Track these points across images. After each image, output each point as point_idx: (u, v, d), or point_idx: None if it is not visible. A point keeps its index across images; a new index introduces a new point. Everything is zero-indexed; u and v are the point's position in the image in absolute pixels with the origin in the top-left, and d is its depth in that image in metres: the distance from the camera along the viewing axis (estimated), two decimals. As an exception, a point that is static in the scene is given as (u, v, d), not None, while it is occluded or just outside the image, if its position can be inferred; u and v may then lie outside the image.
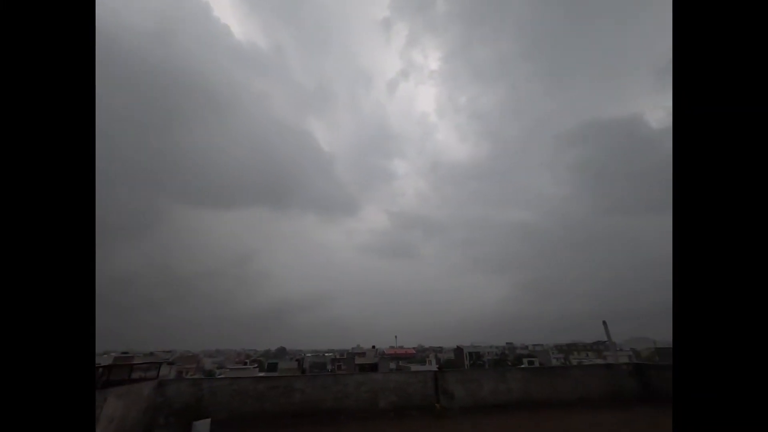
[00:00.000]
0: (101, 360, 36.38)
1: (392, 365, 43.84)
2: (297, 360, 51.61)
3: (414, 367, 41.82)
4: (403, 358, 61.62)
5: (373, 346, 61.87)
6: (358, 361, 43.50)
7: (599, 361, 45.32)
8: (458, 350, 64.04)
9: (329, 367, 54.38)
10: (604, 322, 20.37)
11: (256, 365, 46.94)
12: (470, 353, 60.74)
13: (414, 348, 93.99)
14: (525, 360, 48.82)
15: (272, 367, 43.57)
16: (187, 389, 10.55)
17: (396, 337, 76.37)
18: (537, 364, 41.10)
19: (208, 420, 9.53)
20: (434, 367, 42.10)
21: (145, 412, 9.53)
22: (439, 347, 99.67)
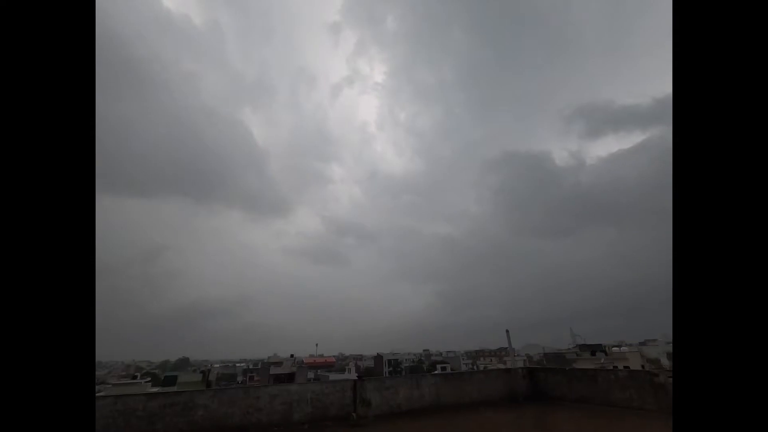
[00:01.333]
0: None
1: (311, 375, 42.40)
2: (202, 371, 46.26)
3: (333, 376, 41.17)
4: (322, 367, 60.07)
5: (292, 355, 58.98)
6: (274, 371, 41.03)
7: (500, 365, 50.60)
8: (378, 358, 64.98)
9: (240, 378, 50.01)
10: (507, 331, 22.92)
11: (149, 379, 40.68)
12: (389, 360, 62.14)
13: (334, 356, 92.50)
14: (439, 366, 51.99)
15: (170, 380, 38.25)
16: (52, 412, 8.59)
17: (317, 345, 74.17)
18: (449, 370, 44.09)
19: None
20: (354, 375, 42.03)
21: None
22: (360, 355, 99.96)
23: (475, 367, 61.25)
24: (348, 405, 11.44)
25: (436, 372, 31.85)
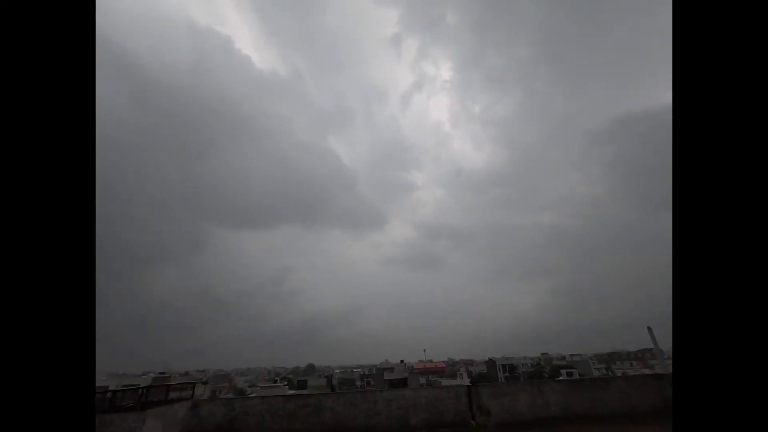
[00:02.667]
0: (141, 381, 37.76)
1: (422, 380, 42.69)
2: (326, 377, 51.39)
3: (445, 382, 40.52)
4: (432, 372, 59.95)
5: (402, 361, 60.64)
6: (387, 376, 42.69)
7: (646, 370, 42.09)
8: (491, 363, 61.54)
9: (358, 383, 53.64)
10: (649, 328, 18.98)
11: (285, 383, 47.13)
12: (503, 365, 58.16)
13: (444, 362, 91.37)
14: (563, 371, 46.18)
15: (302, 384, 43.57)
16: (220, 409, 10.70)
17: (425, 350, 74.64)
18: (576, 375, 38.72)
19: (241, 440, 9.58)
20: (466, 381, 40.60)
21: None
22: (470, 360, 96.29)
23: (610, 372, 52.39)
24: (463, 411, 11.05)
25: (560, 378, 28.35)
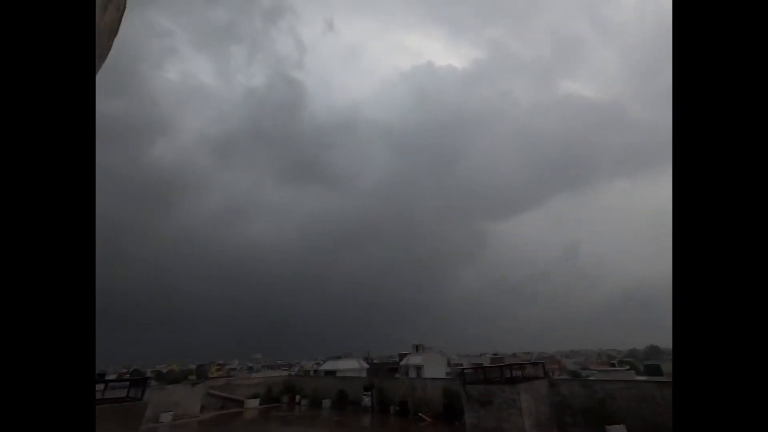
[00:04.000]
0: (482, 360, 45.27)
1: None
2: (686, 361, 39.37)
3: None
4: None
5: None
6: None
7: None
8: None
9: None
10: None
11: (627, 366, 40.54)
12: None
13: None
14: None
15: (653, 369, 35.74)
16: (580, 390, 10.42)
17: None
18: None
19: (623, 426, 8.73)
20: None
21: (550, 408, 10.26)
22: None
23: None
24: None
25: None
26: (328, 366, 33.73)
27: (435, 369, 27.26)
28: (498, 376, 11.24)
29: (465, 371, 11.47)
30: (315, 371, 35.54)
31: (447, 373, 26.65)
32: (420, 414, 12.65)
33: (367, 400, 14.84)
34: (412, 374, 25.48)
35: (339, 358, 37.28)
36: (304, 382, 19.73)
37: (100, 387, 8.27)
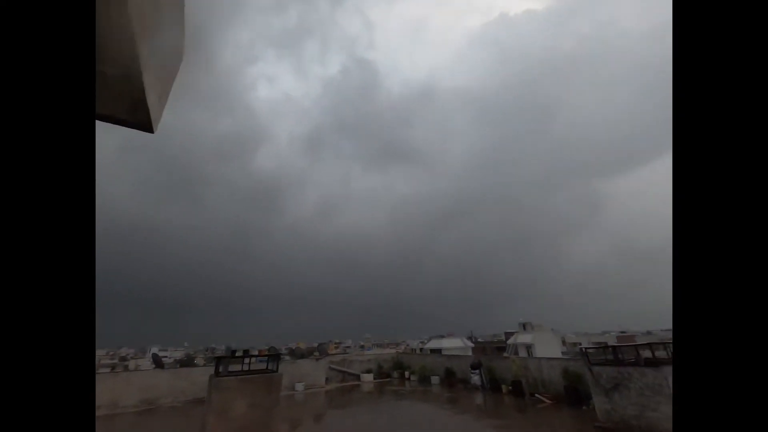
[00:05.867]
0: (605, 339, 39.84)
1: None
2: None
3: None
4: None
5: None
6: None
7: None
8: None
9: None
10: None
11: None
12: None
13: None
14: None
15: None
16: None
17: None
18: None
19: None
20: None
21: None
22: None
23: None
24: None
25: None
26: (433, 344, 34.55)
27: (547, 348, 25.44)
28: (633, 356, 9.59)
29: (587, 350, 10.13)
30: (420, 349, 36.83)
31: (563, 353, 24.51)
32: (537, 395, 11.77)
33: (476, 379, 14.57)
34: (522, 353, 24.21)
35: (443, 337, 37.82)
36: (411, 359, 20.57)
37: (246, 361, 10.02)
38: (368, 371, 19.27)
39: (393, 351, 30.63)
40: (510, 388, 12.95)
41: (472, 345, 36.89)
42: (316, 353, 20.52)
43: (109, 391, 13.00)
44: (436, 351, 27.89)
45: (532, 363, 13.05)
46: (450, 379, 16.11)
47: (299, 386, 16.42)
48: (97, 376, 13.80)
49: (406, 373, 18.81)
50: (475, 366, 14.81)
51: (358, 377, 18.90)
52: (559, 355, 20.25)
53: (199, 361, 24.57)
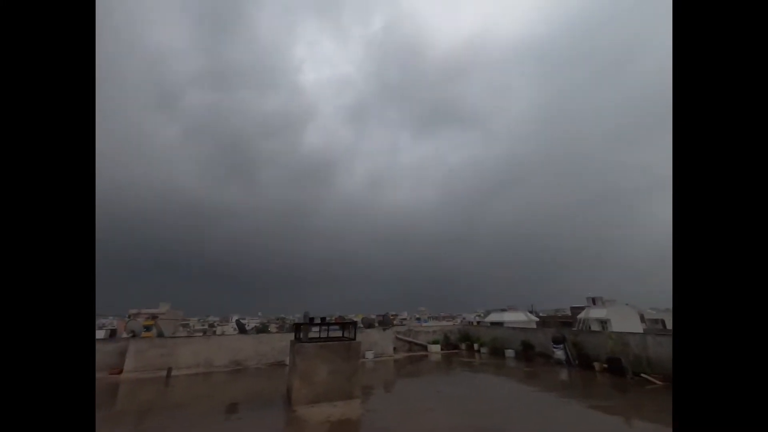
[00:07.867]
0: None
1: None
2: None
3: None
4: None
5: None
6: None
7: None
8: None
9: None
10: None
11: None
12: None
13: None
14: None
15: None
16: None
17: None
18: None
19: None
20: None
21: None
22: None
23: None
24: None
25: None
26: (494, 317, 33.36)
27: (625, 324, 23.07)
28: None
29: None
30: (479, 322, 35.92)
31: (644, 330, 21.86)
32: (644, 375, 10.26)
33: (559, 353, 13.34)
34: (596, 329, 22.06)
35: (504, 310, 36.42)
36: (479, 330, 19.79)
37: (324, 328, 10.07)
38: (434, 342, 18.98)
39: (450, 324, 30.15)
40: (605, 365, 11.55)
41: (536, 318, 35.03)
42: (377, 324, 20.73)
43: (205, 352, 14.34)
44: (498, 324, 26.75)
45: (633, 339, 11.42)
46: (527, 352, 15.05)
47: (369, 354, 16.69)
48: (193, 340, 15.28)
49: (476, 345, 18.14)
50: (558, 340, 13.53)
51: (425, 347, 18.73)
52: (640, 331, 18.05)
53: (272, 329, 26.61)
